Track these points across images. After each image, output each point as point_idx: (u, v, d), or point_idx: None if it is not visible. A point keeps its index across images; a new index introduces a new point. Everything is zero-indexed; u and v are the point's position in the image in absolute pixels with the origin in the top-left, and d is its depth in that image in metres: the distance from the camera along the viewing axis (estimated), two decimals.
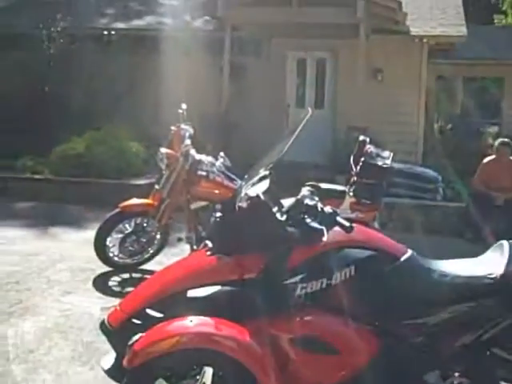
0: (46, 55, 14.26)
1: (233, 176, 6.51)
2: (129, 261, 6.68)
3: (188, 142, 6.41)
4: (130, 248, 6.62)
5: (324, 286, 3.00)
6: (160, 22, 15.60)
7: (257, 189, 3.13)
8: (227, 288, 3.02)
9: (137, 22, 15.98)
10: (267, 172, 3.23)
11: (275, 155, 3.29)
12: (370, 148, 6.68)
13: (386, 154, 6.72)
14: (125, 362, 2.84)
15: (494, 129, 15.60)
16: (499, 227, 8.05)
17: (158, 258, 6.75)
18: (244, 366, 2.81)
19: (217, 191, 6.34)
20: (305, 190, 3.33)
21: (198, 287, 3.04)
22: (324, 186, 4.55)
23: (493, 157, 9.33)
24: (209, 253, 3.18)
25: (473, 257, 3.44)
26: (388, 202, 8.14)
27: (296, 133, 3.26)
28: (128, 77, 14.06)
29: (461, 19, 14.73)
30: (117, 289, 6.26)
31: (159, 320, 2.95)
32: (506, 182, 9.01)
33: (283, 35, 14.22)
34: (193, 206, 6.51)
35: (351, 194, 6.43)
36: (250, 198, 3.09)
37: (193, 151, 6.41)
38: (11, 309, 5.48)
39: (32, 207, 10.13)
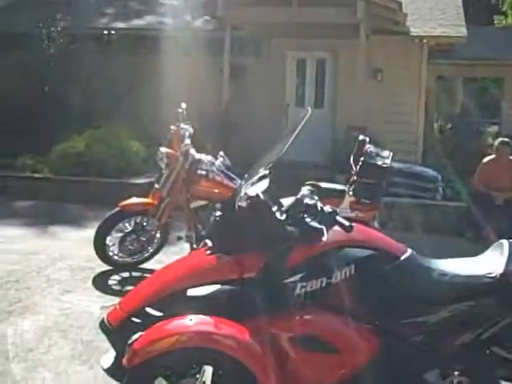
0: (46, 55, 14.26)
1: (232, 175, 6.51)
2: (128, 259, 6.68)
3: (188, 141, 6.42)
4: (130, 247, 6.63)
5: (324, 285, 3.00)
6: (160, 22, 15.61)
7: (256, 188, 3.13)
8: (227, 287, 3.02)
9: (137, 22, 15.99)
10: (267, 171, 3.23)
11: (275, 155, 3.29)
12: (369, 147, 6.67)
13: (386, 153, 6.71)
14: (124, 361, 2.84)
15: (494, 128, 15.62)
16: (499, 227, 8.06)
17: (157, 256, 6.76)
18: (244, 364, 2.81)
19: (216, 190, 6.35)
20: (304, 190, 3.33)
21: (198, 286, 3.04)
22: (324, 185, 4.56)
23: (493, 156, 9.34)
24: (208, 252, 3.18)
25: (473, 256, 3.44)
26: (388, 201, 8.15)
27: (296, 132, 3.26)
28: (128, 76, 14.06)
29: (461, 20, 14.74)
30: (116, 288, 6.26)
31: (159, 319, 2.95)
32: (505, 182, 9.01)
33: (283, 35, 14.22)
34: (192, 205, 6.51)
35: (351, 193, 6.43)
36: (249, 198, 3.08)
37: (192, 150, 6.42)
38: (11, 307, 5.48)
39: (32, 206, 10.14)
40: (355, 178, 6.51)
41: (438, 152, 13.28)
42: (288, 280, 2.99)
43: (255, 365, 2.83)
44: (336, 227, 3.05)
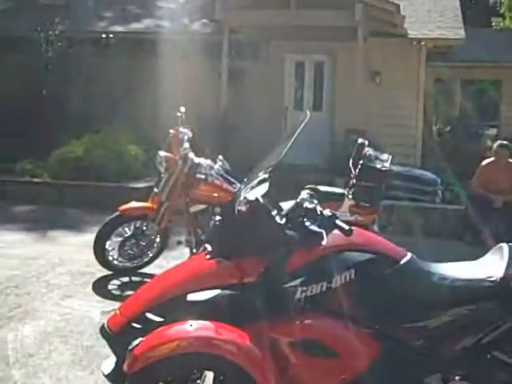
0: (44, 58, 14.25)
1: (232, 179, 6.51)
2: (128, 264, 6.67)
3: (187, 145, 6.42)
4: (130, 251, 6.62)
5: (324, 289, 3.00)
6: (158, 25, 15.62)
7: (256, 192, 3.12)
8: (227, 292, 3.01)
9: (135, 25, 16.01)
10: (266, 175, 3.22)
11: (274, 158, 3.28)
12: (368, 151, 6.67)
13: (385, 156, 6.72)
14: (125, 367, 2.83)
15: (493, 131, 15.66)
16: (498, 230, 8.06)
17: (157, 261, 6.76)
18: (244, 369, 2.80)
19: (216, 194, 6.34)
20: (304, 193, 3.33)
21: (198, 291, 3.04)
22: (323, 188, 4.58)
23: (491, 159, 9.34)
24: (208, 256, 3.18)
25: (472, 259, 3.44)
26: (387, 204, 8.16)
27: (295, 136, 3.26)
28: (126, 80, 14.05)
29: (459, 22, 14.77)
30: (116, 292, 6.26)
31: (159, 324, 2.94)
32: (504, 185, 9.02)
33: (281, 38, 14.23)
34: (192, 209, 6.51)
35: (350, 196, 6.42)
36: (249, 202, 3.08)
37: (191, 154, 6.41)
38: (11, 313, 5.47)
39: (31, 211, 10.13)
40: (354, 181, 6.51)
41: (436, 155, 13.29)
42: (288, 284, 2.98)
43: (255, 370, 2.82)
44: (336, 231, 3.04)
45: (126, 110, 13.61)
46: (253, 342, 2.85)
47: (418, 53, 14.16)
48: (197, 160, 6.45)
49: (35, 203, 10.40)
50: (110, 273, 6.61)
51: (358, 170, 6.51)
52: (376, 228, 6.54)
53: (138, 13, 16.96)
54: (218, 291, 3.02)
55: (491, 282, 3.14)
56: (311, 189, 3.46)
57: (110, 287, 6.38)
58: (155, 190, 6.66)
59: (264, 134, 11.31)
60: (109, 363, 3.13)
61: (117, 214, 6.57)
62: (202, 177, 6.42)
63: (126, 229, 6.66)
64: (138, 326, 3.03)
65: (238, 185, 5.52)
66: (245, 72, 14.29)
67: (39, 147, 11.43)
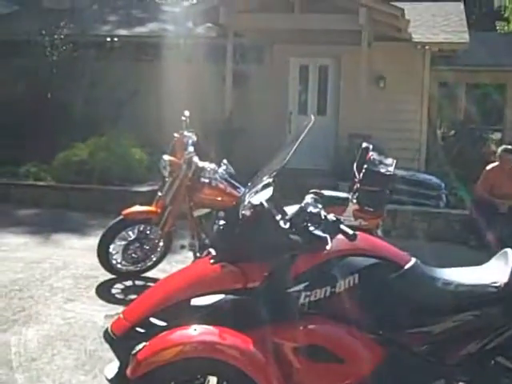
0: (49, 62, 14.28)
1: (236, 183, 6.50)
2: (132, 268, 6.67)
3: (191, 149, 6.42)
4: (133, 255, 6.62)
5: (328, 294, 2.99)
6: (162, 29, 15.67)
7: (260, 196, 3.12)
8: (231, 296, 3.01)
9: (139, 29, 16.04)
10: (270, 179, 3.22)
11: (278, 163, 3.28)
12: (372, 155, 6.67)
13: (389, 161, 6.71)
14: (128, 372, 2.83)
15: (497, 135, 15.63)
16: (503, 234, 8.05)
17: (161, 265, 6.75)
18: (248, 375, 2.79)
19: (219, 198, 6.34)
20: (308, 198, 3.32)
21: (202, 296, 3.03)
22: (327, 193, 4.56)
23: (496, 164, 9.32)
24: (212, 261, 3.17)
25: (477, 265, 3.43)
26: (391, 209, 8.14)
27: (299, 140, 3.26)
28: (131, 83, 14.09)
29: (463, 26, 14.77)
30: (120, 296, 6.26)
31: (163, 329, 2.94)
32: (508, 189, 9.00)
33: (285, 41, 14.23)
34: (196, 213, 6.51)
35: (354, 201, 6.41)
36: (253, 206, 3.08)
37: (196, 158, 6.41)
38: (14, 316, 5.47)
39: (35, 214, 10.14)
40: (358, 185, 6.50)
41: (441, 159, 13.28)
42: (292, 289, 2.98)
43: (259, 375, 2.81)
44: (340, 236, 3.04)
45: (130, 113, 13.65)
46: (256, 347, 2.84)
47: (422, 57, 14.15)
48: (201, 164, 6.45)
49: (39, 206, 10.41)
50: (113, 277, 6.61)
51: (362, 175, 6.51)
52: (380, 232, 6.53)
53: (143, 17, 17.03)
54: (221, 296, 3.02)
55: (496, 287, 3.13)
56: (315, 193, 3.45)
57: (113, 291, 6.37)
58: (159, 193, 6.66)
59: (268, 138, 11.35)
60: (112, 368, 3.12)
61: (120, 217, 6.56)
62: (206, 181, 6.42)
63: (130, 232, 6.65)
64: (142, 331, 3.02)
65: (242, 189, 5.51)
66: (249, 76, 14.30)
67: (43, 150, 11.46)
